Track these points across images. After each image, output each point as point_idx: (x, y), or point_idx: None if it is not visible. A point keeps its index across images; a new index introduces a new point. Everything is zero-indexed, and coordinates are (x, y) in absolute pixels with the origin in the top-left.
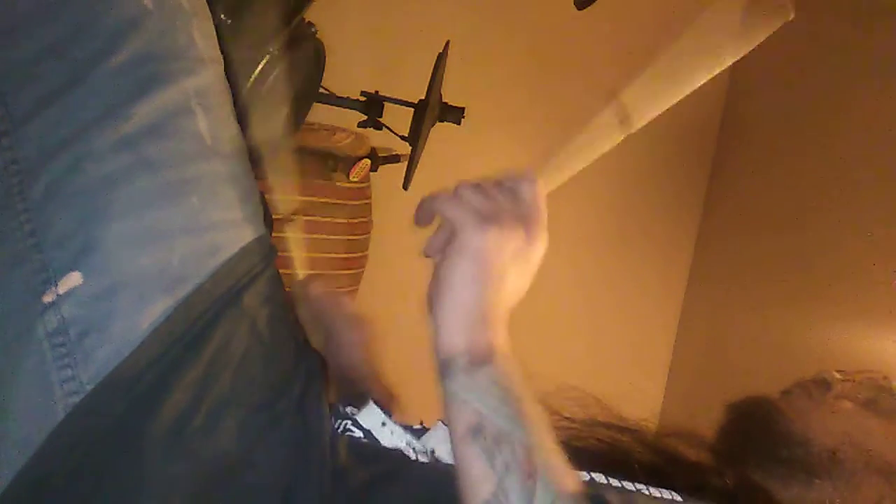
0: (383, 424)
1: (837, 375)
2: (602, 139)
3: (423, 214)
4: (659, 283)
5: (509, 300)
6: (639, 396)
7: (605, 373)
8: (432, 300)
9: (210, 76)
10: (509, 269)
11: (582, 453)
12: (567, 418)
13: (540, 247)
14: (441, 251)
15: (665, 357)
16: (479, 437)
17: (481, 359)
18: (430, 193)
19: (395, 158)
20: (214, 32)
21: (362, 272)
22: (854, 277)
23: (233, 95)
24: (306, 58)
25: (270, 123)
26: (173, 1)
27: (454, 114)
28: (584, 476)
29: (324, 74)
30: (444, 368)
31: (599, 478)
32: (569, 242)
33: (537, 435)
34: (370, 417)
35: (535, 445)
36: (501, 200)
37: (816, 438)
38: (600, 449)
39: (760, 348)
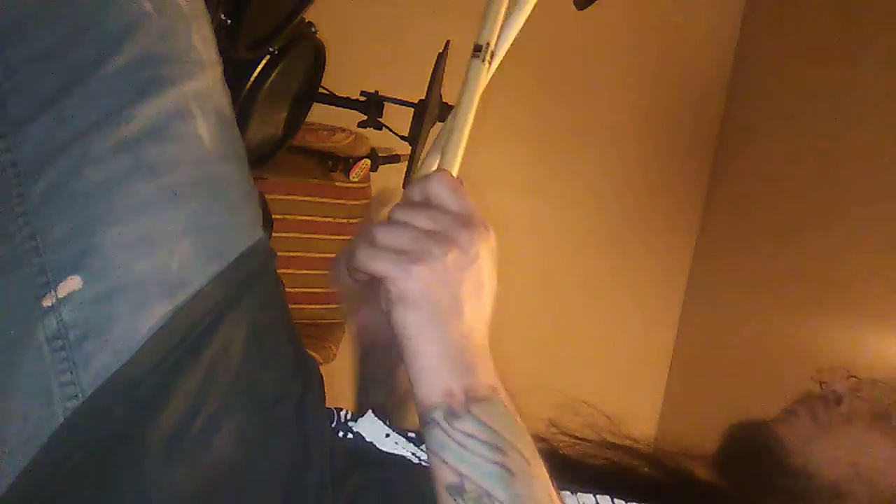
0: (387, 436)
1: (849, 385)
2: (475, 86)
3: (341, 275)
4: (659, 285)
5: (479, 321)
6: (639, 397)
7: (604, 376)
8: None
9: (209, 79)
10: (462, 290)
11: (591, 473)
12: (576, 437)
13: (484, 247)
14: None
15: (664, 360)
16: (459, 499)
17: (460, 409)
18: (343, 251)
19: (395, 158)
20: (213, 35)
21: None
22: (855, 282)
23: (232, 97)
24: (306, 58)
25: (270, 123)
26: (173, 4)
27: None
28: (590, 500)
29: (324, 74)
30: (422, 423)
31: (605, 501)
32: (569, 244)
33: (524, 489)
34: (371, 428)
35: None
36: (419, 223)
37: (819, 471)
38: (609, 469)
39: (759, 353)
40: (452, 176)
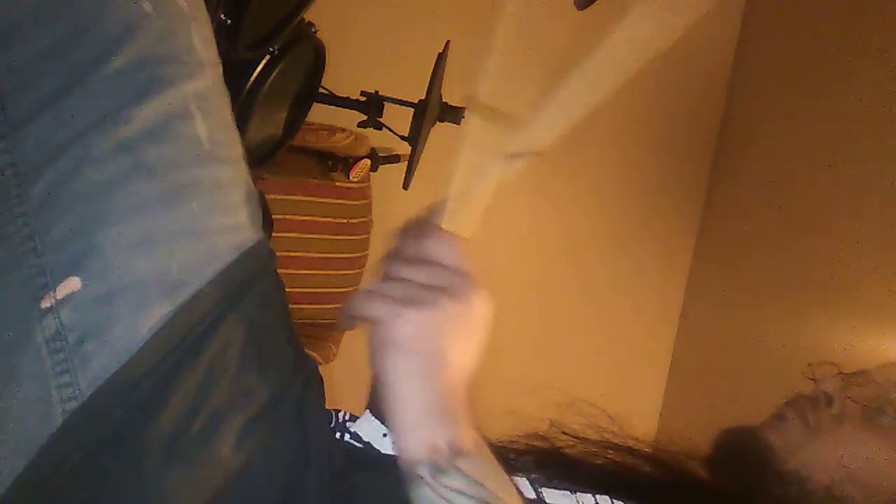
0: (384, 436)
1: (839, 383)
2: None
3: (346, 318)
4: (658, 285)
5: (462, 375)
6: (639, 397)
7: (604, 376)
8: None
9: (209, 80)
10: (452, 341)
11: (593, 473)
12: (578, 437)
13: (478, 304)
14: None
15: (664, 360)
16: None
17: (445, 463)
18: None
19: (395, 158)
20: (213, 36)
21: (362, 272)
22: (857, 284)
23: (232, 97)
24: (306, 58)
25: (270, 123)
26: (172, 4)
27: (454, 114)
28: (589, 500)
29: (324, 74)
30: (408, 477)
31: (604, 501)
32: (569, 244)
33: None
34: (369, 428)
35: None
36: (418, 278)
37: (812, 475)
38: (611, 469)
39: (759, 354)
40: (452, 234)
